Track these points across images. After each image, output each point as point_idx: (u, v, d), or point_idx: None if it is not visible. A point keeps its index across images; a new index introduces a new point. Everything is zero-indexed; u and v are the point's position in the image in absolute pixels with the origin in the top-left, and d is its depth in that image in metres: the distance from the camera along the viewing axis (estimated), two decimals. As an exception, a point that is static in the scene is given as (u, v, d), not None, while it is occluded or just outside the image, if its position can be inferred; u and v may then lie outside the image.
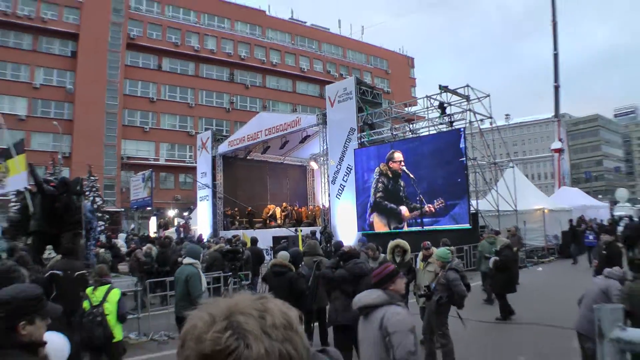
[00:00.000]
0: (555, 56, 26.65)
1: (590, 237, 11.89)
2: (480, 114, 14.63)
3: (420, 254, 6.37)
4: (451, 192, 13.25)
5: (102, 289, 4.39)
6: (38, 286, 2.03)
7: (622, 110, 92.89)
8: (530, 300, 8.07)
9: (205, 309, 0.60)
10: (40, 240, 7.15)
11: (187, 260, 5.26)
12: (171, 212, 28.21)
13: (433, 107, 15.05)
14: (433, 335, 4.87)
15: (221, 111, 37.11)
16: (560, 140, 26.76)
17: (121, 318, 4.39)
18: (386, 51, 47.75)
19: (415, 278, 6.00)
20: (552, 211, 15.67)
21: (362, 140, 16.11)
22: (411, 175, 14.27)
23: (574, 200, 18.64)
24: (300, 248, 8.61)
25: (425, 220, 13.79)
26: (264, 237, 15.30)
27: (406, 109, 20.42)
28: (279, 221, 20.10)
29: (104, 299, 4.31)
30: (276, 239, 15.93)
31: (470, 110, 14.20)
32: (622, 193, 28.05)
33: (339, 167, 16.66)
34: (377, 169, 15.32)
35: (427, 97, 15.33)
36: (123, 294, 4.63)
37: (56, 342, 2.16)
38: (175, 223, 24.00)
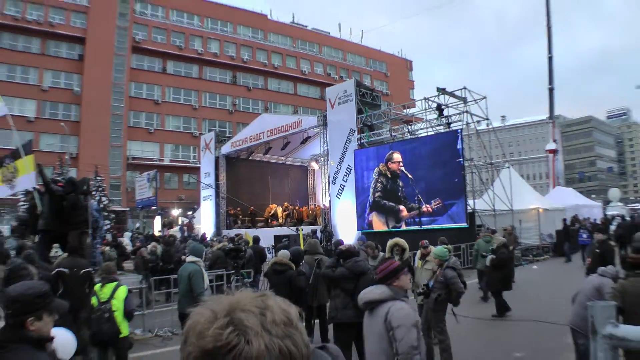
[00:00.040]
0: (550, 59, 26.72)
1: (584, 235, 12.03)
2: (477, 116, 14.83)
3: (419, 253, 6.44)
4: (448, 192, 13.40)
5: (110, 286, 4.47)
6: (45, 283, 2.13)
7: (615, 112, 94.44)
8: (525, 298, 8.12)
9: (207, 306, 0.61)
10: (48, 239, 7.23)
11: (190, 258, 5.39)
12: (175, 212, 28.53)
13: (431, 109, 15.25)
14: (431, 331, 4.92)
15: (224, 113, 37.49)
16: (554, 141, 27.00)
17: (128, 315, 4.46)
18: (385, 54, 48.02)
19: (414, 276, 5.99)
20: (546, 210, 15.81)
21: (362, 141, 16.28)
22: (409, 176, 14.45)
23: (568, 199, 18.76)
24: (302, 247, 8.67)
25: (423, 219, 13.92)
26: (266, 236, 15.51)
27: (405, 110, 20.66)
28: (280, 220, 20.29)
29: (112, 296, 4.39)
30: (278, 238, 16.23)
31: (467, 112, 14.35)
32: (614, 193, 28.24)
33: (339, 167, 16.86)
34: (376, 169, 15.51)
35: (425, 99, 15.53)
36: (129, 291, 4.68)
37: (63, 338, 2.22)
38: (179, 222, 24.27)
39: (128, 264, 11.39)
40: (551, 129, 27.66)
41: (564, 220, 14.46)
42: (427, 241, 6.39)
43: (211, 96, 37.42)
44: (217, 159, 22.64)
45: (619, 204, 27.03)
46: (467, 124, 14.51)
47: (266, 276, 5.77)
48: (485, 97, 14.79)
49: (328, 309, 5.02)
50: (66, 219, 7.12)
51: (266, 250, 12.35)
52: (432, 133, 15.33)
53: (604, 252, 6.75)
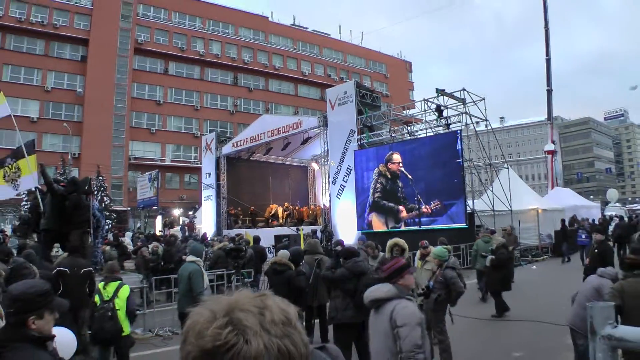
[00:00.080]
0: (548, 61, 26.67)
1: (583, 236, 12.04)
2: (476, 117, 14.88)
3: (418, 253, 6.44)
4: (448, 193, 13.43)
5: (113, 285, 4.51)
6: (46, 282, 2.13)
7: (612, 114, 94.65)
8: (524, 298, 8.11)
9: (206, 306, 0.62)
10: (49, 238, 7.35)
11: (189, 258, 5.41)
12: (176, 212, 28.65)
13: (430, 110, 15.29)
14: (430, 331, 4.90)
15: (225, 113, 37.64)
16: (553, 142, 27.06)
17: (131, 315, 4.50)
18: (385, 56, 48.19)
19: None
20: (545, 211, 15.84)
21: (362, 141, 16.34)
22: (409, 176, 14.50)
23: (566, 200, 18.79)
24: (302, 247, 8.70)
25: (422, 219, 13.95)
26: (267, 236, 15.57)
27: (404, 111, 20.74)
28: (280, 220, 20.35)
29: (115, 295, 4.42)
30: (278, 238, 16.30)
31: (466, 113, 14.39)
32: (612, 194, 28.35)
33: (339, 167, 16.92)
34: (376, 170, 15.55)
35: (424, 100, 15.59)
36: (130, 291, 4.70)
37: (64, 337, 2.24)
38: (181, 222, 24.40)
39: (129, 264, 11.46)
40: (549, 130, 27.71)
41: (562, 220, 14.50)
42: (426, 241, 6.40)
43: (212, 97, 37.59)
44: (218, 159, 22.74)
45: (617, 204, 27.21)
46: (466, 125, 14.55)
47: (267, 275, 5.82)
48: (484, 99, 14.86)
49: (328, 310, 5.04)
50: (68, 219, 7.23)
51: (267, 250, 12.43)
52: (432, 134, 15.39)
53: (603, 253, 6.73)
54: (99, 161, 27.55)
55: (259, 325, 0.58)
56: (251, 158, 23.05)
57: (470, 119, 14.58)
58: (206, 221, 22.67)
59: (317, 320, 5.83)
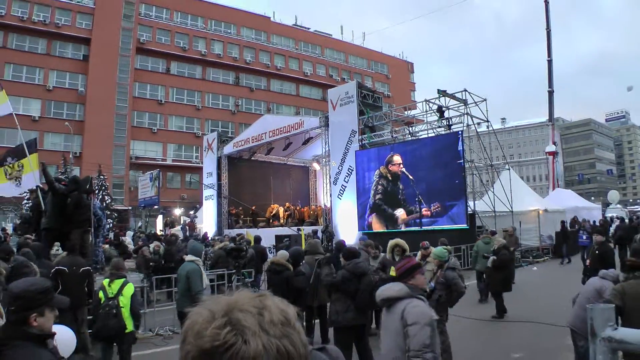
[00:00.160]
0: (550, 63, 26.69)
1: (584, 237, 12.05)
2: (477, 118, 14.87)
3: (419, 254, 6.45)
4: (449, 193, 13.44)
5: (118, 282, 4.52)
6: (46, 279, 2.18)
7: (613, 115, 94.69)
8: (525, 299, 8.12)
9: (205, 306, 0.62)
10: (50, 237, 7.28)
11: (188, 257, 5.44)
12: (177, 211, 28.73)
13: (432, 111, 15.29)
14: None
15: (227, 113, 37.69)
16: (554, 143, 27.18)
17: (134, 314, 4.52)
18: (386, 56, 48.24)
19: None
20: (546, 212, 15.82)
21: (363, 142, 16.35)
22: (410, 177, 14.50)
23: (567, 201, 18.79)
24: (303, 247, 8.69)
25: (423, 220, 13.96)
26: (267, 236, 15.58)
27: (406, 112, 20.70)
28: (281, 220, 20.38)
29: (119, 292, 4.43)
30: (279, 238, 16.30)
31: (467, 114, 14.39)
32: (613, 195, 28.34)
33: (340, 168, 16.93)
34: (377, 171, 15.56)
35: (426, 101, 15.60)
36: None
37: (64, 335, 2.24)
38: (182, 221, 24.46)
39: (130, 263, 11.47)
40: (551, 131, 27.78)
41: (562, 222, 14.49)
42: (427, 242, 6.40)
43: (214, 97, 37.65)
44: (219, 159, 22.79)
45: (618, 206, 27.22)
46: (468, 125, 14.55)
47: (267, 273, 5.84)
48: (485, 100, 14.85)
49: (329, 313, 5.06)
50: (69, 218, 7.19)
51: (267, 250, 12.44)
52: (433, 135, 15.40)
53: (603, 254, 6.74)
54: (101, 160, 27.62)
55: (257, 325, 0.58)
56: (252, 158, 23.09)
57: (472, 119, 14.58)
58: (207, 221, 22.71)
59: (317, 321, 5.83)
